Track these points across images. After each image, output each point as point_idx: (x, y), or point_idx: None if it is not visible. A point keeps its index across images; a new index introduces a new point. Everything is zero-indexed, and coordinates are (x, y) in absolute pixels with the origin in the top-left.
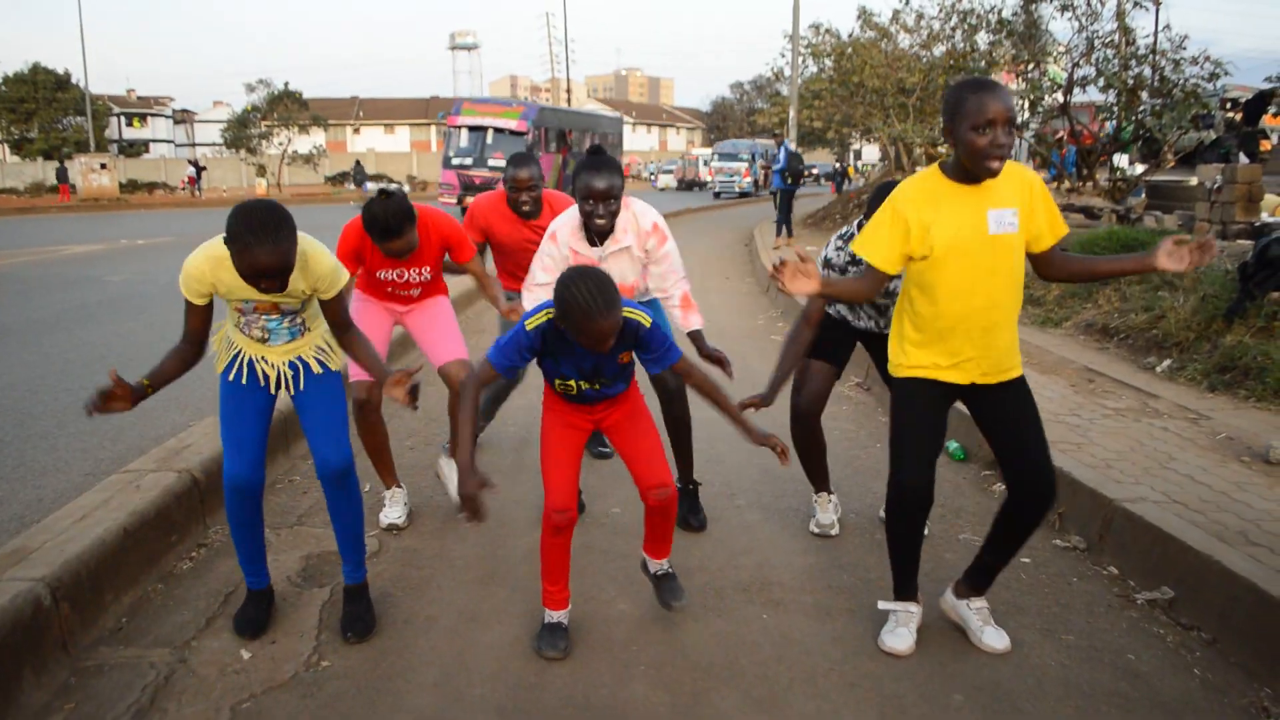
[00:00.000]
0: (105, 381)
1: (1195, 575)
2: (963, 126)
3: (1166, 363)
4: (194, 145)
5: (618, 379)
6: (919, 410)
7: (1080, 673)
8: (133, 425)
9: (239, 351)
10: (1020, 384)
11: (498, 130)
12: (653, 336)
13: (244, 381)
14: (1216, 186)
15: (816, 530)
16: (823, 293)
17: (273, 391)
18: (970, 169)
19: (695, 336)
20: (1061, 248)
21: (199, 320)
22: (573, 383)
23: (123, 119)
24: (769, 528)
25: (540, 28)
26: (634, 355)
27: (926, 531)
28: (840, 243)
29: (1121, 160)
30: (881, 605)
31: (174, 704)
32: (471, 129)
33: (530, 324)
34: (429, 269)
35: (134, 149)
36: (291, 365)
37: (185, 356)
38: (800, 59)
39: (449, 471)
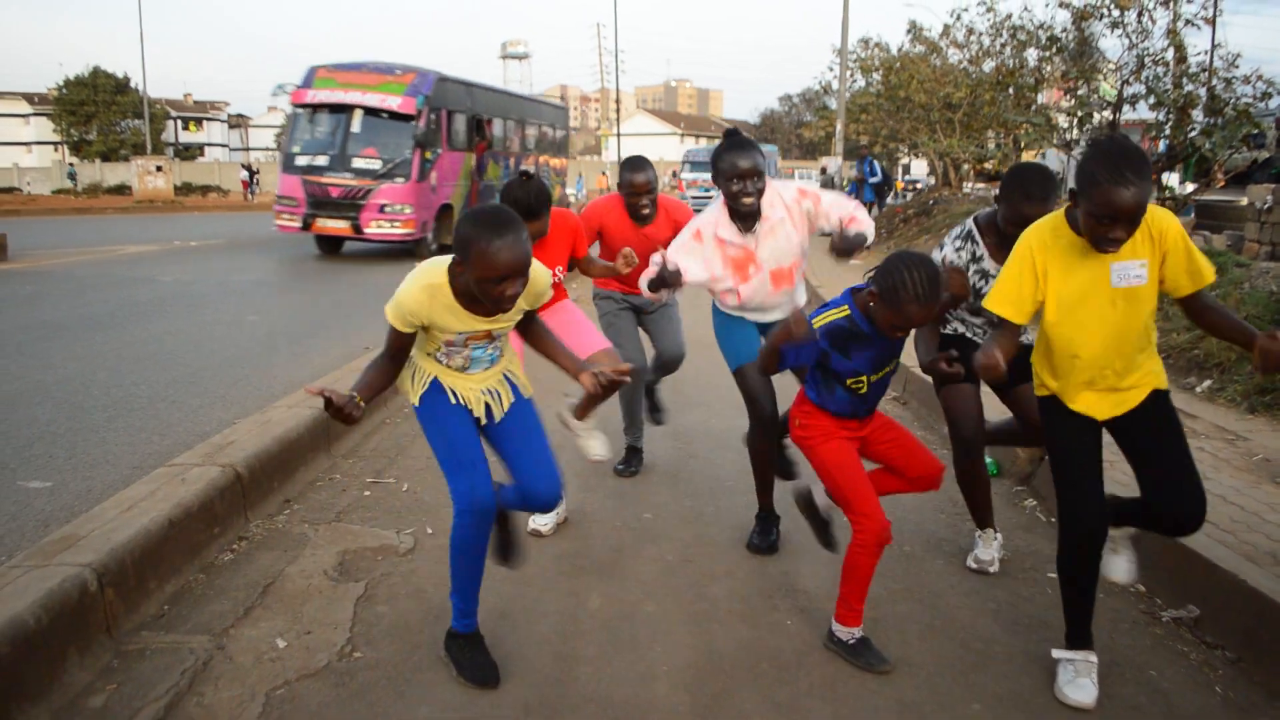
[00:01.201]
0: (151, 378)
1: (1222, 594)
2: (1085, 205)
3: (1206, 383)
4: (248, 150)
5: (891, 372)
6: (1074, 430)
7: (1101, 687)
8: (180, 422)
9: (433, 378)
10: (1159, 401)
11: (369, 112)
12: None
13: (449, 401)
14: (1266, 207)
15: (975, 566)
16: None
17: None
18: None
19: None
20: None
21: (402, 343)
22: (864, 378)
23: (179, 123)
24: (798, 537)
25: (591, 38)
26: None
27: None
28: (960, 243)
29: (1171, 179)
30: (1056, 654)
31: (211, 688)
32: (331, 110)
33: (819, 322)
34: (561, 269)
35: (189, 152)
36: (486, 392)
37: (389, 371)
38: (849, 73)
39: (576, 425)
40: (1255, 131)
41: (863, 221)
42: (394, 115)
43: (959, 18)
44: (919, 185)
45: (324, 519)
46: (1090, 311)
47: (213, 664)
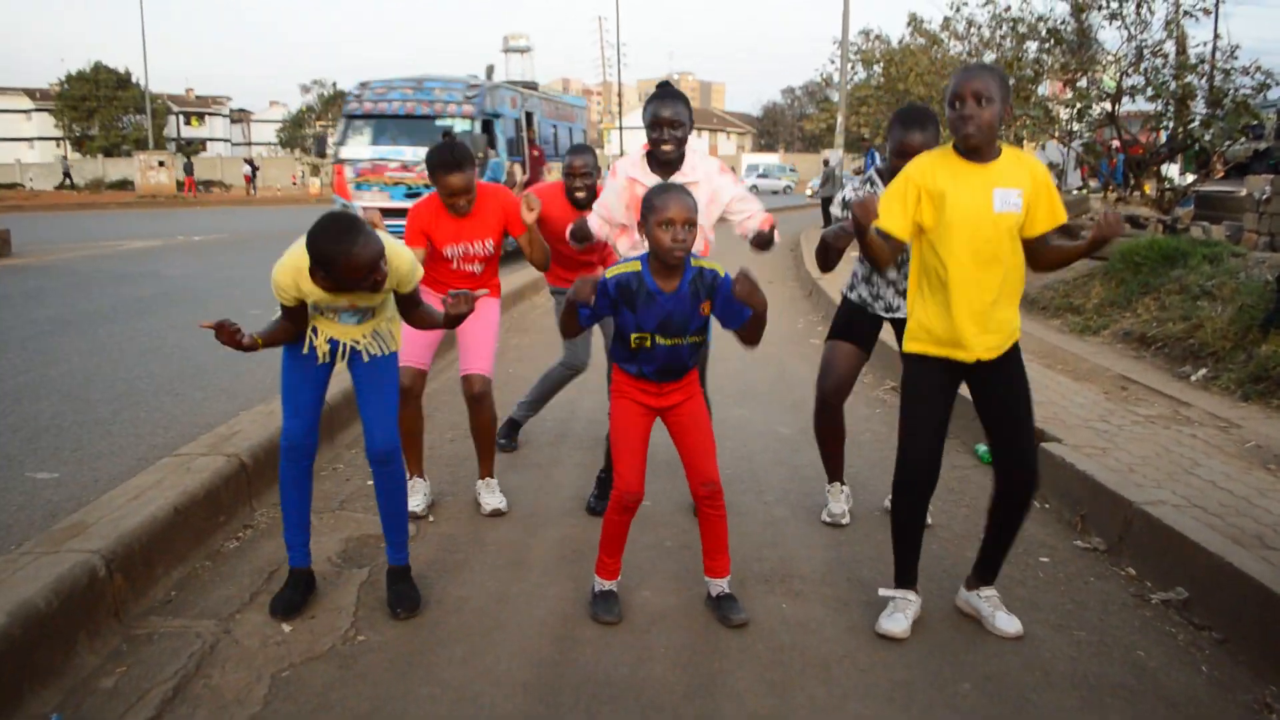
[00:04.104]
0: (155, 371)
1: (1209, 577)
2: (946, 106)
3: (1201, 372)
4: (250, 144)
5: (695, 343)
6: (926, 389)
7: (1088, 667)
8: (185, 414)
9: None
10: (1015, 358)
11: None
12: (726, 284)
13: (305, 352)
14: (1265, 197)
15: (828, 520)
16: (869, 237)
17: (331, 361)
18: (958, 144)
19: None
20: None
21: (295, 316)
22: (649, 336)
23: (181, 118)
24: (795, 523)
25: (592, 31)
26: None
27: (929, 521)
28: (857, 182)
29: (1171, 170)
30: (882, 592)
31: (218, 671)
32: None
33: (610, 273)
34: (491, 241)
35: (191, 147)
36: (353, 343)
37: (288, 329)
38: (850, 65)
39: (485, 494)
40: (1254, 123)
41: (758, 216)
42: None
43: (959, 10)
44: None
45: (328, 508)
46: (974, 235)
47: (219, 647)
